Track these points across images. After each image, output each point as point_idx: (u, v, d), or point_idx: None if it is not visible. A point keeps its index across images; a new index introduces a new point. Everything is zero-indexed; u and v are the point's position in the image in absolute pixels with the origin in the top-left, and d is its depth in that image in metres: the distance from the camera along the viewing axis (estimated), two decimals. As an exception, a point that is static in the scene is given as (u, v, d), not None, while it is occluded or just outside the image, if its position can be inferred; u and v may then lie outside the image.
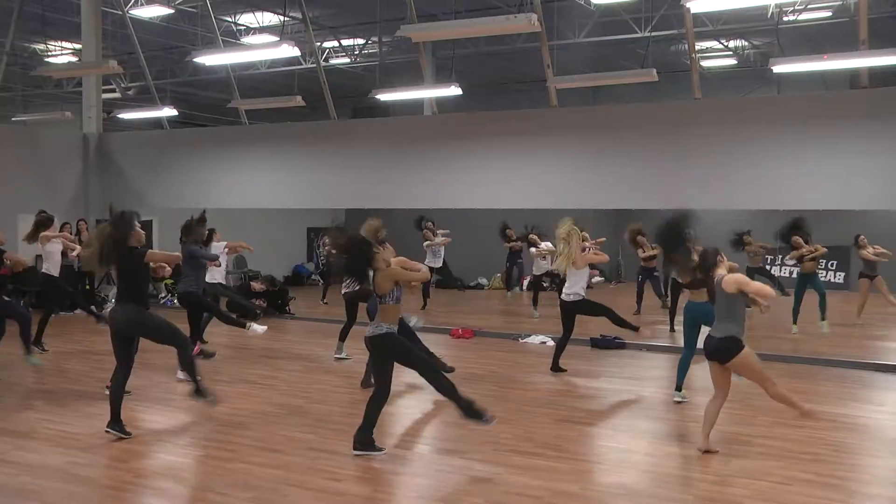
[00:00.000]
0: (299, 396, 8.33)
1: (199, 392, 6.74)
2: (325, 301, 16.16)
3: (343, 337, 10.24)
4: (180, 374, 8.64)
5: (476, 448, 6.47)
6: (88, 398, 8.11)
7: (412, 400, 8.81)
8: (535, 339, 11.96)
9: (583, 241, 9.25)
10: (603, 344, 11.51)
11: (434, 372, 6.36)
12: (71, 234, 14.80)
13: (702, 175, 11.63)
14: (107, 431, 6.61)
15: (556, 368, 9.57)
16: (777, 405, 7.90)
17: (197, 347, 8.40)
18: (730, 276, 6.24)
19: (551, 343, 11.73)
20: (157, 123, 17.50)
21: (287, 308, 15.02)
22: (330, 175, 14.40)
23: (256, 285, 14.93)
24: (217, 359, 10.27)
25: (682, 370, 8.18)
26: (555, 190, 12.61)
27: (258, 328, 9.42)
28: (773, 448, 6.57)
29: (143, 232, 6.86)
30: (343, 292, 10.01)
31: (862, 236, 13.08)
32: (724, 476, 5.88)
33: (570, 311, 9.32)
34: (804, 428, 7.14)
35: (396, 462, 6.24)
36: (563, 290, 9.34)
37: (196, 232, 9.53)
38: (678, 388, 8.21)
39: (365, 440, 6.19)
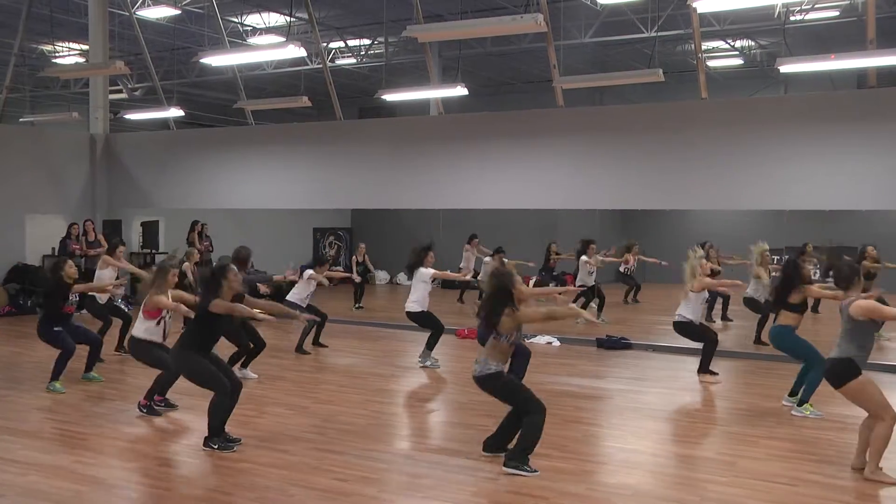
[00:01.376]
0: (306, 396, 8.35)
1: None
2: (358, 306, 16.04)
3: (431, 345, 10.03)
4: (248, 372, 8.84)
5: (481, 449, 6.46)
6: (95, 398, 8.14)
7: (418, 400, 8.82)
8: (542, 340, 11.96)
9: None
10: (609, 344, 11.51)
11: (539, 413, 5.90)
12: (78, 233, 14.92)
13: (708, 175, 11.61)
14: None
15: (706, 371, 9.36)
16: (782, 406, 7.91)
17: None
18: (860, 303, 5.85)
19: (557, 343, 11.75)
20: (163, 124, 17.55)
21: (293, 308, 15.03)
22: (336, 175, 14.42)
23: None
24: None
25: (798, 381, 7.99)
26: (561, 190, 12.60)
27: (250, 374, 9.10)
28: (779, 449, 6.56)
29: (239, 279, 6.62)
30: (406, 310, 9.93)
31: None
32: (729, 477, 5.87)
33: (678, 332, 9.24)
34: (810, 429, 7.13)
35: (402, 463, 6.25)
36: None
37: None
38: (792, 395, 7.99)
39: (521, 458, 5.91)
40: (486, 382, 6.01)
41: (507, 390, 6.02)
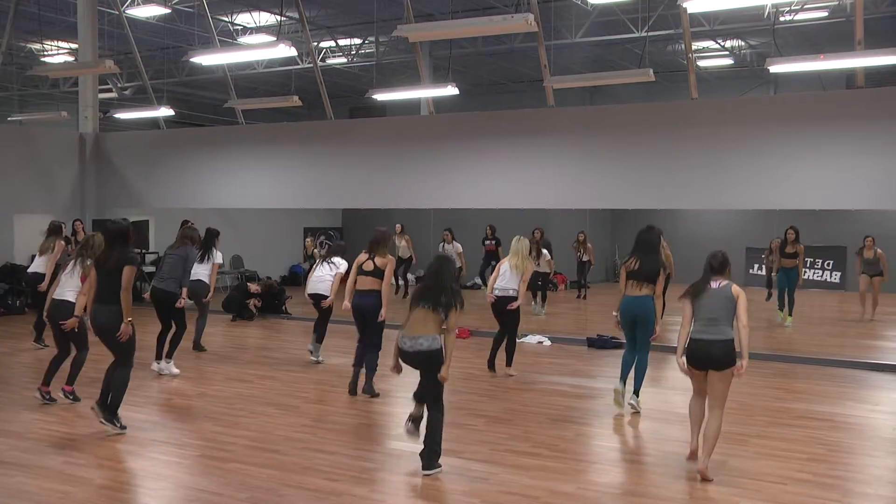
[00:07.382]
0: (296, 396, 8.33)
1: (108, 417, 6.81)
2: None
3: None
4: (162, 367, 9.21)
5: (473, 448, 6.47)
6: (83, 399, 8.09)
7: (408, 399, 8.80)
8: (532, 339, 11.97)
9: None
10: (599, 344, 11.53)
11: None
12: (66, 233, 14.82)
13: (698, 175, 11.63)
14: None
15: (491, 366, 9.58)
16: (772, 405, 7.95)
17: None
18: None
19: (548, 343, 11.76)
20: (153, 123, 17.48)
21: (283, 308, 15.01)
22: (326, 175, 14.39)
23: (253, 286, 14.92)
24: (213, 358, 10.27)
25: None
26: (551, 190, 12.61)
27: (174, 370, 9.27)
28: (769, 447, 6.58)
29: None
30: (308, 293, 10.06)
31: None
32: (720, 476, 5.88)
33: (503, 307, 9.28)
34: (800, 428, 7.16)
35: (393, 462, 6.24)
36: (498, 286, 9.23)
37: (192, 235, 9.69)
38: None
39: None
40: (437, 357, 5.92)
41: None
